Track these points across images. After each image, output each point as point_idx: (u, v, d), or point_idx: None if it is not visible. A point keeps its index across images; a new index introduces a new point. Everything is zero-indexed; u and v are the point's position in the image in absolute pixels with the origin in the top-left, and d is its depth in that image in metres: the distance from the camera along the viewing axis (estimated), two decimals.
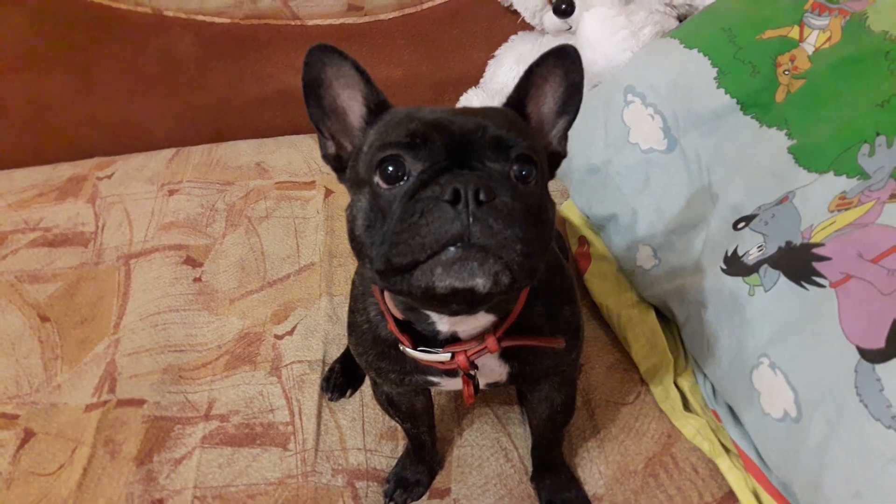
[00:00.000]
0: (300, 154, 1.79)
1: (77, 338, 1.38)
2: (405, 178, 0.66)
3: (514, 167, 0.68)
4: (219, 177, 1.74)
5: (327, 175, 1.72)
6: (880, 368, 0.81)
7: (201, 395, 1.26)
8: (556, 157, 0.84)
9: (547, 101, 0.81)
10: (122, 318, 1.41)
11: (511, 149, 0.67)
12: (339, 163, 0.80)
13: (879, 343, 0.82)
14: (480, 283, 0.62)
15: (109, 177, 1.76)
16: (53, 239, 1.61)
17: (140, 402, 1.24)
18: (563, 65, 0.78)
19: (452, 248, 0.61)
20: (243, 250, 1.54)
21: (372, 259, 0.66)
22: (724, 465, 1.07)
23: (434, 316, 0.76)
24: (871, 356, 0.82)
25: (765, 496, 1.02)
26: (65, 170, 1.81)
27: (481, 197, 0.61)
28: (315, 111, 0.78)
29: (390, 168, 0.66)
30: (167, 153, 1.83)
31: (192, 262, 1.52)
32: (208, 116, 1.87)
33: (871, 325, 0.84)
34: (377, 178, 0.67)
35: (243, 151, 1.82)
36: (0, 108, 1.79)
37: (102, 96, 1.80)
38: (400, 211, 0.64)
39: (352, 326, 0.93)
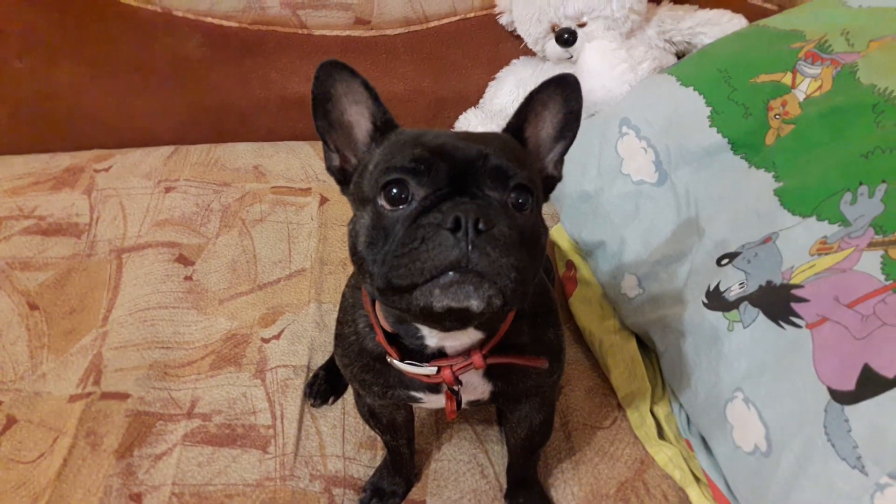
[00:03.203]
0: (298, 160, 1.81)
1: (65, 328, 1.39)
2: (409, 201, 0.69)
3: (512, 195, 0.71)
4: (216, 177, 1.75)
5: (324, 182, 1.74)
6: (849, 410, 0.84)
7: (185, 392, 1.27)
8: (551, 180, 0.87)
9: (545, 126, 0.84)
10: (110, 312, 1.42)
11: (510, 178, 0.70)
12: (343, 175, 0.82)
13: (850, 385, 0.85)
14: (475, 304, 0.65)
15: (107, 170, 1.77)
16: (47, 228, 1.61)
17: (124, 396, 1.25)
18: (562, 92, 0.81)
19: (451, 273, 0.64)
20: (236, 252, 1.56)
21: (373, 276, 0.69)
22: (694, 493, 1.09)
23: (424, 330, 0.79)
24: (841, 398, 0.85)
25: None
26: (63, 160, 1.81)
27: (480, 226, 0.64)
28: (322, 124, 0.80)
29: (394, 191, 0.69)
30: (166, 150, 1.84)
31: (184, 260, 1.53)
32: (210, 117, 1.88)
33: (843, 367, 0.87)
34: (381, 200, 0.70)
35: (242, 154, 1.83)
36: (3, 95, 1.79)
37: (107, 90, 1.81)
38: (402, 234, 0.67)
39: (339, 338, 0.94)
